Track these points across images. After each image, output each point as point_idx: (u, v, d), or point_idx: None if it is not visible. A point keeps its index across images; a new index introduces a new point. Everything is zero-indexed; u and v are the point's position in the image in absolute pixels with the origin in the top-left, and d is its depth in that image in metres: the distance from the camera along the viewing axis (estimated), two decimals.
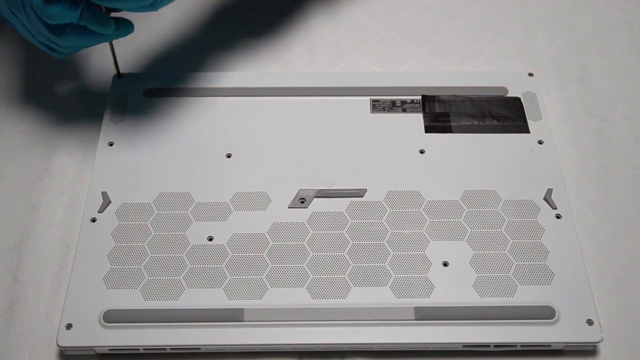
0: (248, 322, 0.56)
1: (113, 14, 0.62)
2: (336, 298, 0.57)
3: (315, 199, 0.63)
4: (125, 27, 0.62)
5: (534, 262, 0.59)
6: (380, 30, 0.78)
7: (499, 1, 0.81)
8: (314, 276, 0.58)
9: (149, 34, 0.78)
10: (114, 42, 0.66)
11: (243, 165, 0.65)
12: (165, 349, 0.55)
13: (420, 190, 0.63)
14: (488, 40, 0.77)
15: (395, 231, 0.61)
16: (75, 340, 0.55)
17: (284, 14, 0.80)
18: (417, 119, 0.68)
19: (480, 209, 0.62)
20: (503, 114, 0.68)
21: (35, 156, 0.68)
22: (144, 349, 0.55)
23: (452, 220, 0.61)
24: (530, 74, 0.72)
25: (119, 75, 0.71)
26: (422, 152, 0.66)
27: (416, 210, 0.62)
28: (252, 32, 0.78)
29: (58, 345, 0.55)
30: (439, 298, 0.57)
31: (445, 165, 0.65)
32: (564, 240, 0.60)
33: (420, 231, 0.61)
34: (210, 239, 0.60)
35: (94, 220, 0.61)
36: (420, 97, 0.69)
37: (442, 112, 0.68)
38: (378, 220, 0.61)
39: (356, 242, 0.60)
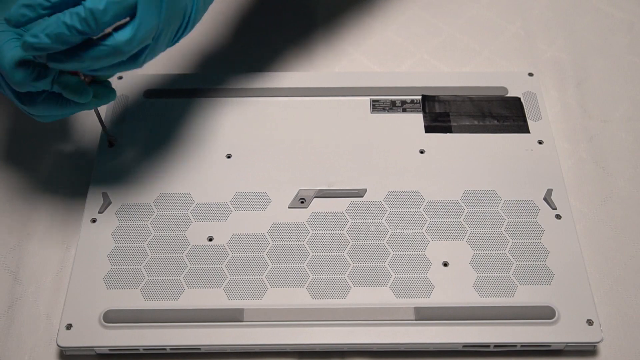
0: (248, 322, 0.56)
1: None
2: (336, 298, 0.57)
3: (315, 199, 0.63)
4: (106, 93, 0.55)
5: (534, 262, 0.59)
6: (381, 30, 0.78)
7: (499, 1, 0.81)
8: (314, 276, 0.58)
9: None
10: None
11: (243, 165, 0.65)
12: (165, 349, 0.55)
13: (420, 190, 0.63)
14: (488, 40, 0.77)
15: (395, 231, 0.60)
16: (75, 340, 0.55)
17: (284, 14, 0.80)
18: (417, 119, 0.68)
19: (480, 209, 0.62)
20: (503, 114, 0.68)
21: (35, 156, 0.68)
22: (144, 349, 0.55)
23: (452, 220, 0.61)
24: (530, 74, 0.72)
25: (109, 143, 0.66)
26: (422, 152, 0.66)
27: (416, 210, 0.62)
28: (252, 32, 0.78)
29: (58, 345, 0.55)
30: (439, 298, 0.57)
31: (445, 165, 0.65)
32: (564, 240, 0.60)
33: (420, 231, 0.61)
34: (210, 239, 0.60)
35: (94, 220, 0.61)
36: (420, 97, 0.69)
37: (442, 112, 0.68)
38: (378, 220, 0.61)
39: (356, 242, 0.60)
